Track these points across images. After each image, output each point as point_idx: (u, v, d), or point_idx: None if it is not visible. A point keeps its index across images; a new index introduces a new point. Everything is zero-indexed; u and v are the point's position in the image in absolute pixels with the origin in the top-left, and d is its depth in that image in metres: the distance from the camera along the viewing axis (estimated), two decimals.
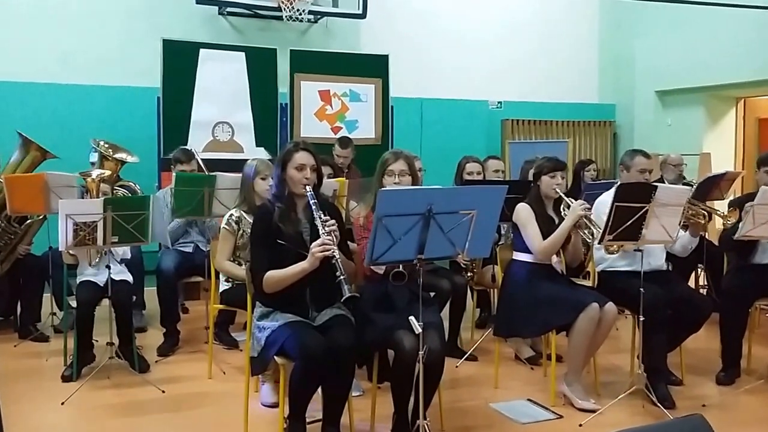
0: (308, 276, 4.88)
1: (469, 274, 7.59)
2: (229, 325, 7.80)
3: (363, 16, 12.22)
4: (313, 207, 4.94)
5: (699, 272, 9.02)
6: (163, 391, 6.32)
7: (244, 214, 6.48)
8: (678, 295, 6.30)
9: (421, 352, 4.65)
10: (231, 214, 6.55)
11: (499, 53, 13.89)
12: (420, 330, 4.60)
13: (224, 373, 6.86)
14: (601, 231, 5.67)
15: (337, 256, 4.73)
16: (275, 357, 4.92)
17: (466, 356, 7.25)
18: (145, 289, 8.40)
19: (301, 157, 5.08)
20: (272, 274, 4.92)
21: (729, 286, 6.87)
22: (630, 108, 14.25)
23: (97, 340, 6.88)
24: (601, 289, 6.28)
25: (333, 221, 4.93)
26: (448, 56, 13.46)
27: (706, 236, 8.04)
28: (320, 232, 4.83)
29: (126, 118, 10.97)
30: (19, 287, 8.05)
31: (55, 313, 8.04)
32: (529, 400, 6.18)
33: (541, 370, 6.96)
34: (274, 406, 5.82)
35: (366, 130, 11.38)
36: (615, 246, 5.90)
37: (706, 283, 8.89)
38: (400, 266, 4.85)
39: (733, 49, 11.85)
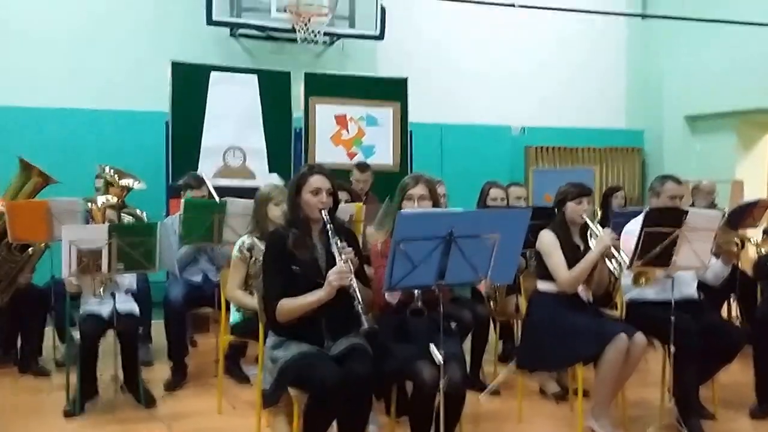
0: (324, 305, 4.85)
1: (491, 304, 7.56)
2: (239, 359, 7.74)
3: (381, 37, 12.17)
4: (330, 233, 4.92)
5: (731, 302, 8.96)
6: (171, 428, 6.30)
7: (256, 240, 6.46)
8: (710, 325, 6.25)
9: (442, 382, 4.62)
10: (243, 242, 6.54)
11: (523, 78, 13.87)
12: (441, 360, 4.59)
13: (234, 408, 6.83)
14: (628, 263, 5.66)
15: (355, 286, 4.73)
16: (289, 389, 4.90)
17: (488, 390, 7.17)
18: (152, 321, 8.30)
19: (317, 181, 5.06)
20: (286, 303, 4.90)
21: (763, 316, 6.81)
22: (659, 134, 14.21)
23: (101, 374, 6.82)
24: (630, 319, 6.25)
25: (350, 249, 4.92)
26: (470, 80, 13.45)
27: (739, 265, 8.01)
28: (337, 259, 4.82)
29: (133, 144, 10.98)
30: (19, 319, 7.94)
31: (57, 347, 8.04)
32: None
33: (567, 405, 6.87)
34: None
35: (383, 156, 11.40)
36: (643, 279, 5.85)
37: (738, 314, 8.83)
38: (419, 303, 4.85)
39: (766, 72, 11.80)
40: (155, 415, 6.56)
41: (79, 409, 6.52)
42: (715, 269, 6.56)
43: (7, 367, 7.92)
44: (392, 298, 5.23)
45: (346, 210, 6.64)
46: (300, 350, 4.92)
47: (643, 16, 14.20)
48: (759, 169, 12.99)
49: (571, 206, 6.22)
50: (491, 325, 7.60)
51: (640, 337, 5.83)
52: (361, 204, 7.21)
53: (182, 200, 7.57)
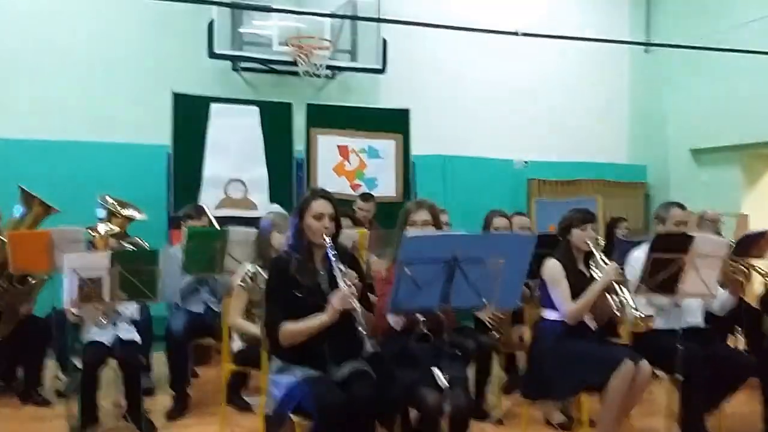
0: (327, 329, 4.85)
1: (496, 336, 7.53)
2: (241, 388, 7.73)
3: (382, 71, 12.17)
4: (332, 258, 4.92)
5: (737, 334, 8.93)
6: None
7: (259, 269, 6.48)
8: (717, 354, 6.25)
9: (446, 407, 4.61)
10: (246, 270, 6.56)
11: (526, 111, 13.87)
12: (446, 384, 4.58)
13: None
14: (631, 300, 5.67)
15: (358, 309, 4.72)
16: (291, 415, 4.89)
17: (492, 419, 7.14)
18: (153, 353, 8.28)
19: (320, 206, 5.08)
20: (289, 327, 4.90)
21: None
22: (663, 167, 14.18)
23: (102, 403, 6.82)
24: (636, 348, 6.19)
25: (353, 273, 4.93)
26: (472, 113, 13.45)
27: (744, 297, 8.01)
28: (340, 283, 4.81)
29: (135, 176, 10.88)
30: (20, 350, 7.91)
31: (58, 377, 8.03)
32: None
33: None
34: None
35: (386, 188, 11.43)
36: (642, 324, 5.81)
37: (745, 345, 8.80)
38: (424, 328, 4.85)
39: None
40: None
41: None
42: (722, 299, 6.57)
43: (8, 398, 7.87)
44: (397, 324, 5.25)
45: (350, 236, 6.66)
46: (303, 375, 4.91)
47: (647, 45, 14.19)
48: (764, 203, 12.90)
49: (576, 233, 6.20)
50: (495, 356, 7.57)
51: (645, 364, 5.80)
52: (364, 230, 7.22)
53: (184, 229, 7.53)
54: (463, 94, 13.42)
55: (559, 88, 14.18)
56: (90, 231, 7.32)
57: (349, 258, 5.22)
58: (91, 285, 6.08)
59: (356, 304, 4.75)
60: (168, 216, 10.31)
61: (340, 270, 4.87)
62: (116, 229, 7.39)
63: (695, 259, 5.55)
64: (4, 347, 7.86)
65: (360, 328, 4.67)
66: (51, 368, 8.11)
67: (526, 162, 13.91)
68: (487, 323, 7.58)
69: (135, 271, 6.18)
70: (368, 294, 5.31)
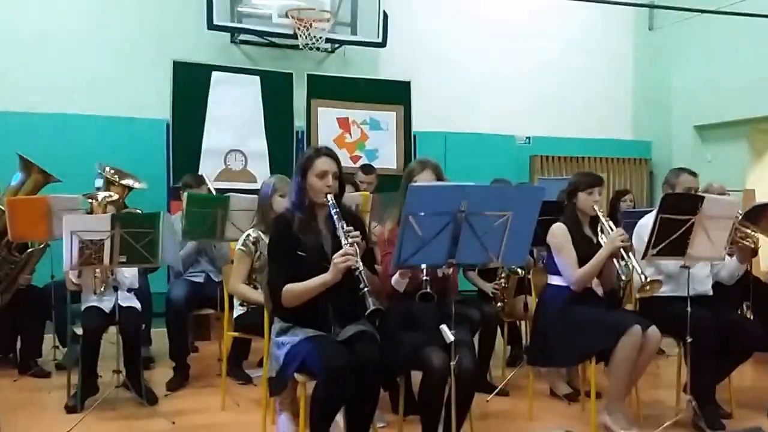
0: (330, 290, 4.81)
1: (499, 305, 7.49)
2: (242, 361, 7.70)
3: (383, 44, 12.09)
4: (335, 217, 4.87)
5: (745, 310, 8.88)
6: (174, 423, 6.24)
7: (261, 234, 6.44)
8: (726, 321, 6.20)
9: (452, 363, 4.56)
10: (248, 235, 6.52)
11: (528, 87, 13.82)
12: (452, 338, 4.54)
13: (238, 405, 6.79)
14: (637, 266, 5.61)
15: (361, 268, 4.66)
16: (295, 374, 4.86)
17: (497, 391, 7.09)
18: (152, 329, 8.31)
19: (323, 164, 5.03)
20: (292, 287, 4.86)
21: None
22: (667, 145, 14.15)
23: (101, 376, 6.76)
24: (644, 315, 6.12)
25: (356, 232, 4.87)
26: (474, 89, 13.40)
27: (752, 271, 7.97)
28: (343, 242, 4.77)
29: (134, 149, 10.83)
30: (19, 320, 7.86)
31: (57, 347, 8.04)
32: (567, 431, 6.03)
33: (579, 406, 6.82)
34: None
35: (387, 160, 11.38)
36: (648, 288, 5.75)
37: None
38: (429, 287, 4.79)
39: None
40: (158, 411, 6.51)
41: (80, 406, 6.45)
42: (731, 267, 6.55)
43: (6, 369, 7.85)
44: (400, 285, 5.19)
45: (353, 199, 6.59)
46: (306, 335, 4.88)
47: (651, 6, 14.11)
48: None
49: (582, 197, 6.14)
50: (498, 329, 7.54)
51: (654, 330, 5.75)
52: (368, 193, 7.17)
53: (183, 195, 7.47)
54: (464, 71, 13.37)
55: (563, 65, 14.12)
56: (88, 198, 7.25)
57: (352, 218, 5.16)
58: (92, 247, 6.05)
59: (359, 264, 4.69)
60: (167, 187, 10.25)
61: (343, 229, 4.81)
62: (115, 196, 7.29)
63: (705, 220, 5.48)
64: (2, 317, 7.78)
65: (362, 285, 4.61)
66: (49, 341, 8.07)
67: (528, 138, 13.84)
68: (490, 293, 7.56)
69: (135, 234, 6.15)
70: (372, 251, 5.28)
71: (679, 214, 5.45)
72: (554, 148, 13.92)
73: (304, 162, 5.10)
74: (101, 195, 7.12)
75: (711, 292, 6.55)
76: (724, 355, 6.17)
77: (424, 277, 4.88)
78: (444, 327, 4.58)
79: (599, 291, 6.18)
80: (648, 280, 5.58)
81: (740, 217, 6.30)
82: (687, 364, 5.85)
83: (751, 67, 12.16)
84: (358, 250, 4.75)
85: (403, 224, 4.22)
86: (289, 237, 4.96)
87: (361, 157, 11.23)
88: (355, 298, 4.61)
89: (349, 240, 4.76)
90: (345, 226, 4.84)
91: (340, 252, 4.72)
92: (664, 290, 6.31)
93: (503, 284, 7.50)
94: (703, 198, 5.53)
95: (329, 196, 4.95)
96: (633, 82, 14.88)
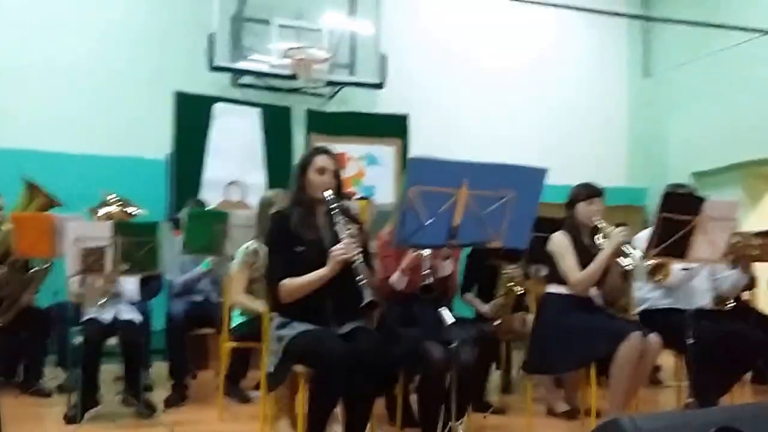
0: (329, 285, 4.80)
1: (495, 323, 7.40)
2: (240, 380, 7.60)
3: (380, 86, 12.00)
4: (334, 212, 4.86)
5: None
6: (173, 431, 6.17)
7: (260, 246, 6.39)
8: (729, 331, 6.10)
9: (453, 345, 4.48)
10: (247, 246, 6.52)
11: (523, 133, 13.74)
12: (452, 320, 4.47)
13: (236, 419, 6.73)
14: (644, 252, 5.52)
15: (359, 261, 4.67)
16: (294, 367, 4.81)
17: (493, 409, 6.96)
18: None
19: (322, 161, 5.04)
20: (290, 282, 4.85)
21: None
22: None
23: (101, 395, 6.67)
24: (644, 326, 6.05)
25: (354, 226, 4.92)
26: (471, 138, 13.36)
27: (752, 302, 7.93)
28: (341, 236, 4.76)
29: (134, 189, 10.74)
30: (21, 340, 7.81)
31: (59, 363, 7.96)
32: None
33: (578, 423, 6.67)
34: None
35: (385, 195, 11.28)
36: (661, 274, 5.66)
37: None
38: (430, 279, 4.76)
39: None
40: (156, 422, 6.44)
41: (80, 417, 6.31)
42: (733, 279, 6.47)
43: (7, 389, 7.68)
44: (400, 283, 5.16)
45: (352, 207, 6.53)
46: (305, 329, 4.81)
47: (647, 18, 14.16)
48: (765, 222, 12.84)
49: (581, 207, 6.14)
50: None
51: (655, 336, 5.67)
52: (366, 201, 7.13)
53: (185, 210, 7.42)
54: (461, 117, 13.28)
55: (557, 112, 14.07)
56: (91, 212, 7.23)
57: (351, 217, 5.13)
58: (94, 254, 6.03)
59: (357, 256, 4.68)
60: (168, 217, 10.14)
61: (341, 223, 4.82)
62: (117, 210, 7.25)
63: (706, 222, 5.40)
64: (4, 337, 7.71)
65: (359, 278, 4.56)
66: (51, 362, 8.02)
67: None
68: (489, 312, 7.49)
69: (136, 242, 6.15)
70: (368, 249, 5.22)
71: (680, 213, 5.35)
72: (548, 194, 13.73)
73: (304, 159, 5.14)
74: (104, 211, 7.11)
75: (711, 306, 6.50)
76: (728, 367, 6.06)
77: (426, 271, 4.84)
78: (443, 310, 4.51)
79: (599, 302, 6.09)
80: (656, 263, 5.49)
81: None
82: (688, 373, 5.72)
83: (746, 113, 12.16)
84: (355, 244, 4.73)
85: (403, 200, 4.14)
86: (288, 232, 4.96)
87: (356, 193, 11.15)
88: (354, 296, 4.60)
89: (347, 233, 4.75)
90: (343, 220, 4.83)
91: (338, 245, 4.73)
92: (664, 303, 6.26)
93: (501, 302, 7.43)
94: (704, 199, 5.45)
95: (328, 192, 4.91)
96: (628, 128, 14.86)
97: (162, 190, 10.64)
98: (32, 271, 7.71)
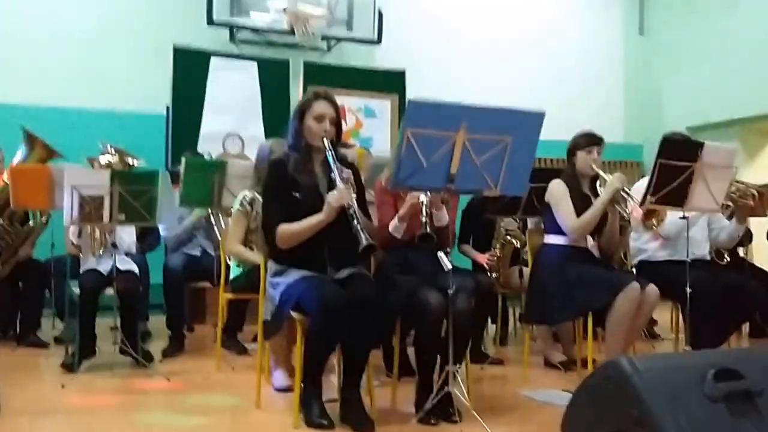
0: (326, 232, 4.74)
1: (494, 275, 7.37)
2: (237, 332, 7.59)
3: (378, 41, 12.02)
4: (331, 159, 4.78)
5: None
6: (169, 380, 6.11)
7: (257, 195, 6.35)
8: (725, 281, 6.05)
9: (450, 291, 4.43)
10: (245, 195, 6.46)
11: (520, 93, 13.59)
12: (449, 266, 4.43)
13: (233, 368, 6.67)
14: (641, 200, 5.46)
15: (355, 206, 4.62)
16: (292, 312, 4.73)
17: (490, 360, 6.98)
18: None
19: (321, 107, 4.93)
20: (287, 227, 4.78)
21: None
22: None
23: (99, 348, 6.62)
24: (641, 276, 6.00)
25: (350, 171, 4.90)
26: (466, 92, 13.26)
27: (748, 257, 7.90)
28: (337, 182, 4.70)
29: (132, 141, 10.66)
30: (18, 293, 7.78)
31: (57, 314, 7.95)
32: (563, 390, 5.84)
33: (575, 373, 6.59)
34: (288, 390, 5.58)
35: (382, 147, 11.23)
36: (654, 219, 5.59)
37: None
38: (428, 228, 4.72)
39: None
40: (153, 371, 6.40)
41: (78, 365, 6.28)
42: (729, 230, 6.42)
43: (5, 341, 7.70)
44: (398, 230, 5.12)
45: (348, 155, 6.46)
46: (302, 275, 4.75)
47: None
48: (763, 177, 12.74)
49: (581, 156, 6.06)
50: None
51: (652, 288, 5.59)
52: (363, 149, 7.06)
53: (182, 159, 7.34)
54: (456, 73, 13.13)
55: (555, 70, 13.97)
56: (89, 161, 7.16)
57: (348, 165, 5.07)
58: (91, 203, 5.98)
59: (353, 201, 4.64)
60: (167, 171, 10.07)
61: (338, 169, 4.75)
62: (116, 159, 7.18)
63: (705, 169, 5.31)
64: (2, 289, 7.69)
65: (355, 224, 4.52)
66: (49, 316, 7.98)
67: None
68: (485, 265, 7.46)
69: (134, 192, 6.07)
70: (365, 197, 5.21)
71: (679, 159, 5.27)
72: (545, 150, 13.71)
73: (302, 104, 5.02)
74: (103, 159, 7.05)
75: (708, 257, 6.44)
76: (725, 318, 6.01)
77: (424, 218, 4.80)
78: (441, 255, 4.47)
79: (595, 252, 6.03)
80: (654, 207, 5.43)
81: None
82: (686, 325, 5.67)
83: (741, 69, 12.10)
84: (352, 189, 4.69)
85: (401, 142, 4.07)
86: (285, 178, 4.89)
87: (355, 145, 11.08)
88: (351, 240, 4.54)
89: (344, 177, 4.70)
90: (340, 167, 4.77)
91: (334, 191, 4.67)
92: (662, 254, 6.21)
93: (498, 254, 7.40)
94: (702, 144, 5.37)
95: (326, 140, 4.84)
96: (624, 86, 14.79)
97: (161, 144, 10.56)
98: (30, 224, 7.68)
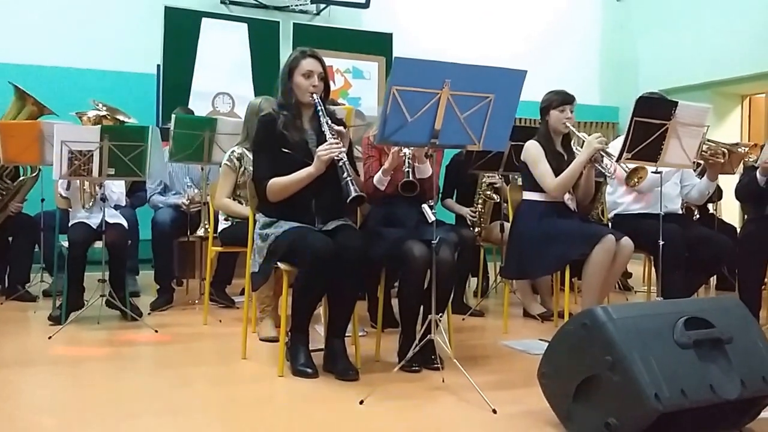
0: (314, 185, 4.71)
1: (476, 230, 7.37)
2: (225, 286, 7.50)
3: (366, 5, 11.93)
4: (320, 113, 4.76)
5: None
6: (156, 331, 6.08)
7: (246, 151, 6.31)
8: (696, 235, 6.10)
9: (434, 242, 4.42)
10: (233, 151, 6.41)
11: (499, 52, 13.60)
12: (433, 219, 4.43)
13: (220, 321, 6.63)
14: (617, 156, 5.46)
15: (345, 159, 4.57)
16: (279, 263, 4.69)
17: (471, 311, 6.98)
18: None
19: (309, 64, 4.89)
20: (277, 181, 4.75)
21: (745, 236, 6.59)
22: None
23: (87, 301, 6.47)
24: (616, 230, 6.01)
25: (340, 127, 4.81)
26: (448, 50, 13.19)
27: (717, 213, 7.93)
28: (327, 136, 4.66)
29: (122, 99, 10.58)
30: (8, 247, 7.69)
31: (46, 268, 7.86)
32: (541, 339, 5.86)
33: (552, 324, 6.65)
34: (274, 340, 5.58)
35: (369, 108, 11.17)
36: (636, 178, 5.58)
37: None
38: (411, 176, 4.71)
39: (739, 43, 11.77)
40: (141, 324, 6.32)
41: (65, 318, 6.20)
42: (701, 186, 6.44)
43: None
44: (382, 183, 5.09)
45: (337, 111, 6.41)
46: (290, 227, 4.70)
47: None
48: (733, 138, 12.81)
49: (554, 114, 6.05)
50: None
51: (627, 240, 5.64)
52: (351, 107, 7.00)
53: (173, 115, 7.25)
54: (440, 32, 13.10)
55: (532, 33, 13.92)
56: (78, 115, 7.06)
57: (337, 121, 5.01)
58: (81, 158, 5.89)
59: (342, 154, 4.59)
60: (157, 127, 10.01)
61: (327, 124, 4.71)
62: (105, 113, 7.08)
63: (678, 127, 5.35)
64: None
65: (345, 176, 4.48)
66: (37, 270, 7.93)
67: None
68: (468, 218, 7.45)
69: (124, 147, 5.96)
70: (353, 152, 5.19)
71: (653, 118, 5.28)
72: (523, 110, 13.68)
73: (290, 62, 4.96)
74: (92, 113, 6.93)
75: (680, 211, 6.47)
76: (695, 270, 6.05)
77: (406, 168, 4.78)
78: (425, 207, 4.47)
79: (572, 206, 6.02)
80: (633, 167, 5.43)
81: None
82: (658, 277, 5.68)
83: (714, 33, 12.13)
84: (342, 143, 4.65)
85: (387, 98, 4.04)
86: (274, 133, 4.84)
87: (344, 104, 11.03)
88: (339, 194, 4.50)
89: (334, 131, 4.66)
90: (329, 121, 4.74)
91: (324, 145, 4.63)
92: (636, 208, 6.23)
93: (480, 209, 7.39)
94: (676, 103, 5.38)
95: (315, 96, 4.81)
96: (600, 49, 14.75)
97: (152, 103, 10.49)
98: (21, 179, 7.61)
